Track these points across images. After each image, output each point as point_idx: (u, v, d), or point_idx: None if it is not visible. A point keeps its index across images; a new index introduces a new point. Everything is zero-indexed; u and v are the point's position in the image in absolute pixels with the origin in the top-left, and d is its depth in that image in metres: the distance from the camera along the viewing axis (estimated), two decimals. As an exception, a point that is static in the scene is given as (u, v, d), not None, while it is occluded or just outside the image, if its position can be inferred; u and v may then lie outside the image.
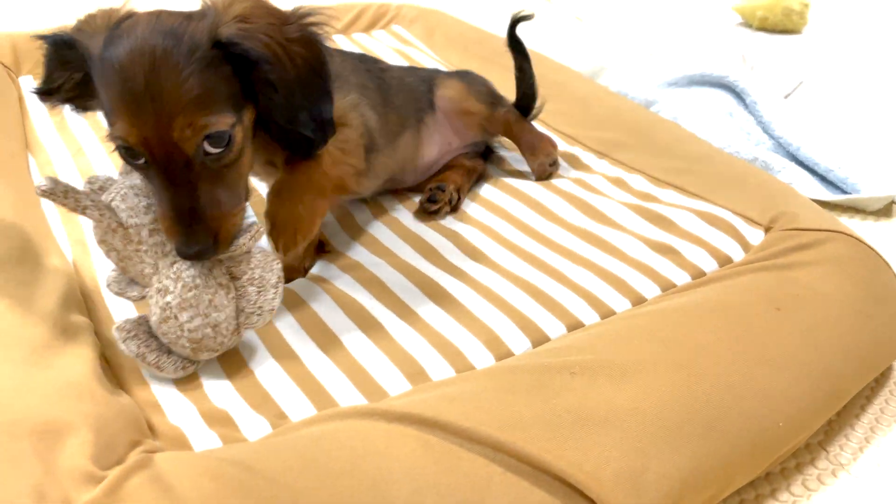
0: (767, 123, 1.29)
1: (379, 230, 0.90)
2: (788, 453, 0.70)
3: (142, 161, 0.61)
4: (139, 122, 0.58)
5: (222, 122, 0.60)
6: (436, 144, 1.00)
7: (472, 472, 0.54)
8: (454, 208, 0.95)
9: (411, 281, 0.80)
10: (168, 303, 0.62)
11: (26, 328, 0.61)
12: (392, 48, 1.46)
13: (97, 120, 1.11)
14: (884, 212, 1.15)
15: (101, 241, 0.65)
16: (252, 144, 0.67)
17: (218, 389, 0.66)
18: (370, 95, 0.85)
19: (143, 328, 0.64)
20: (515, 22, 1.02)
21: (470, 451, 0.55)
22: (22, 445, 0.50)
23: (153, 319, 0.64)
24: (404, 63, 1.38)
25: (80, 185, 0.65)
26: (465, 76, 1.05)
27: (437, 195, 0.93)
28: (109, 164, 1.00)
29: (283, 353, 0.70)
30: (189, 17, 0.62)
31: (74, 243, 0.83)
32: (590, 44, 1.78)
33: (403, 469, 0.53)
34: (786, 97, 1.56)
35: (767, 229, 0.88)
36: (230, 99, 0.62)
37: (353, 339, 0.72)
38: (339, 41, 1.48)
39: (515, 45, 1.04)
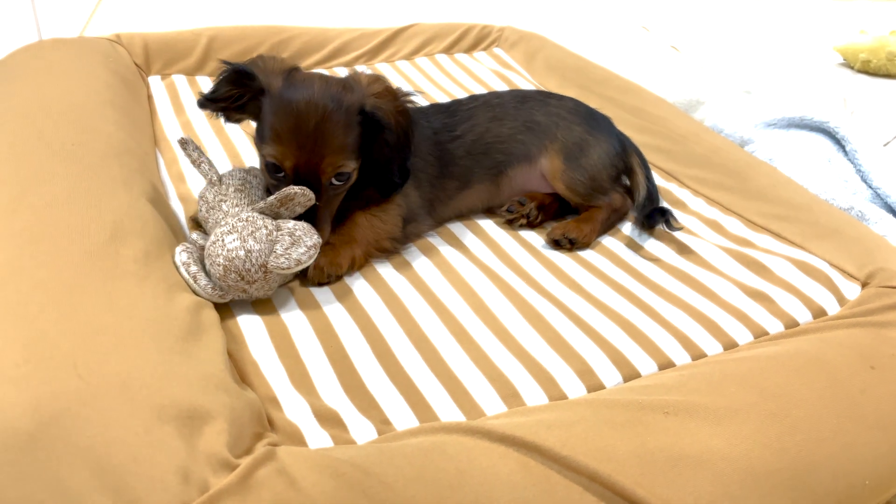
0: (866, 173, 1.28)
1: (482, 251, 0.95)
2: (871, 511, 0.71)
3: (281, 175, 0.84)
4: (299, 152, 0.82)
5: (351, 165, 0.85)
6: (533, 185, 1.04)
7: (568, 498, 0.57)
8: (532, 224, 1.00)
9: (510, 301, 0.84)
10: (222, 232, 0.78)
11: (170, 320, 0.67)
12: (492, 70, 1.50)
13: (221, 126, 1.19)
14: (983, 273, 1.13)
15: (201, 197, 0.86)
16: None
17: (329, 390, 0.71)
18: (425, 169, 0.97)
19: (196, 253, 0.80)
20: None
21: (566, 477, 0.58)
22: (169, 428, 0.56)
23: (207, 244, 0.79)
24: (504, 89, 1.42)
25: (202, 184, 0.89)
26: (572, 152, 1.00)
27: (515, 206, 0.99)
28: (229, 165, 1.08)
29: (389, 361, 0.75)
30: (344, 86, 0.85)
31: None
32: (685, 75, 1.78)
33: (505, 488, 0.57)
34: (885, 145, 1.54)
35: (864, 284, 0.89)
36: (356, 150, 0.85)
37: (453, 355, 0.77)
38: (442, 61, 1.54)
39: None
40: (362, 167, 0.87)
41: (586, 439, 0.61)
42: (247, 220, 0.79)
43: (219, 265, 0.76)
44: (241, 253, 0.77)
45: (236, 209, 0.83)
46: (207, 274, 0.78)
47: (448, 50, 1.57)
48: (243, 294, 0.79)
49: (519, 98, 1.05)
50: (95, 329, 0.62)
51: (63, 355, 0.58)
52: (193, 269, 0.77)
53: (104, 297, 0.66)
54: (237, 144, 1.15)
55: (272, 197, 0.81)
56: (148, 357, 0.61)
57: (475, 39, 1.61)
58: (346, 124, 0.82)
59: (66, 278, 0.67)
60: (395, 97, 0.88)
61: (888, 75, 1.97)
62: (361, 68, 1.46)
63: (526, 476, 0.58)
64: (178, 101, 1.26)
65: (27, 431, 0.53)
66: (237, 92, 0.86)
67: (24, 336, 0.60)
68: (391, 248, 0.92)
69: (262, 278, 0.78)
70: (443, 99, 1.37)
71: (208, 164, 0.86)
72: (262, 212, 0.82)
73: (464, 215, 1.03)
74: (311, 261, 0.79)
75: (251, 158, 1.11)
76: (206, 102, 0.88)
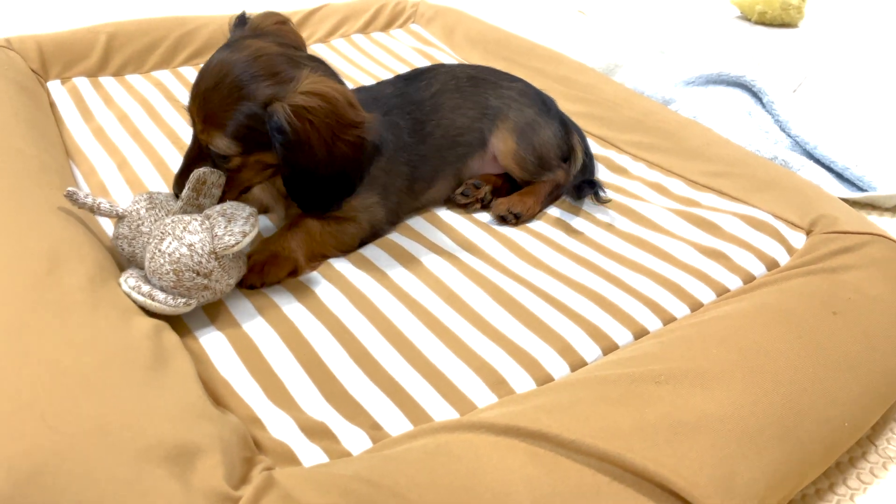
0: (784, 122, 1.33)
1: (439, 237, 0.93)
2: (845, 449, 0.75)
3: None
4: (192, 107, 0.79)
5: (225, 148, 0.78)
6: (486, 169, 1.03)
7: (582, 482, 0.57)
8: (485, 206, 0.99)
9: (479, 287, 0.83)
10: (155, 244, 0.73)
11: (133, 349, 0.62)
12: (413, 48, 1.47)
13: (137, 129, 1.11)
14: (898, 208, 1.21)
15: (116, 237, 0.78)
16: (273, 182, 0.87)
17: (310, 401, 0.68)
18: (397, 182, 0.93)
19: (140, 274, 0.75)
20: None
21: (576, 461, 0.58)
22: (161, 471, 0.51)
23: (146, 266, 0.74)
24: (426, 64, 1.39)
25: (127, 195, 0.87)
26: (524, 132, 0.99)
27: (471, 190, 0.98)
28: (157, 176, 1.01)
29: (367, 363, 0.73)
30: (279, 72, 0.78)
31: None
32: (596, 38, 1.80)
33: (519, 482, 0.55)
34: (794, 91, 1.61)
35: (808, 232, 0.92)
36: (247, 138, 0.78)
37: (432, 348, 0.75)
38: (359, 41, 1.49)
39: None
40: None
41: (587, 420, 0.61)
42: (173, 222, 0.75)
43: (167, 272, 0.71)
44: (184, 250, 0.72)
45: (157, 224, 0.77)
46: (162, 290, 0.73)
47: (364, 29, 1.53)
48: (207, 292, 0.74)
49: (472, 79, 1.02)
50: (56, 371, 0.56)
51: (27, 405, 0.53)
52: (146, 288, 0.72)
53: (58, 334, 0.60)
54: (157, 147, 1.07)
55: (185, 190, 0.77)
56: (120, 395, 0.56)
57: (390, 16, 1.57)
58: (238, 108, 0.76)
59: (11, 318, 0.61)
60: (342, 122, 0.79)
61: (783, 24, 2.05)
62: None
63: (538, 467, 0.57)
64: (83, 106, 1.17)
65: (3, 496, 0.48)
66: None
67: (-25, 389, 0.54)
68: (338, 256, 0.88)
69: (218, 266, 0.74)
70: (365, 82, 1.33)
71: (107, 203, 0.78)
72: (183, 211, 0.78)
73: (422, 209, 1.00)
74: (256, 229, 0.75)
75: (173, 159, 1.04)
76: None
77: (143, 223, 0.78)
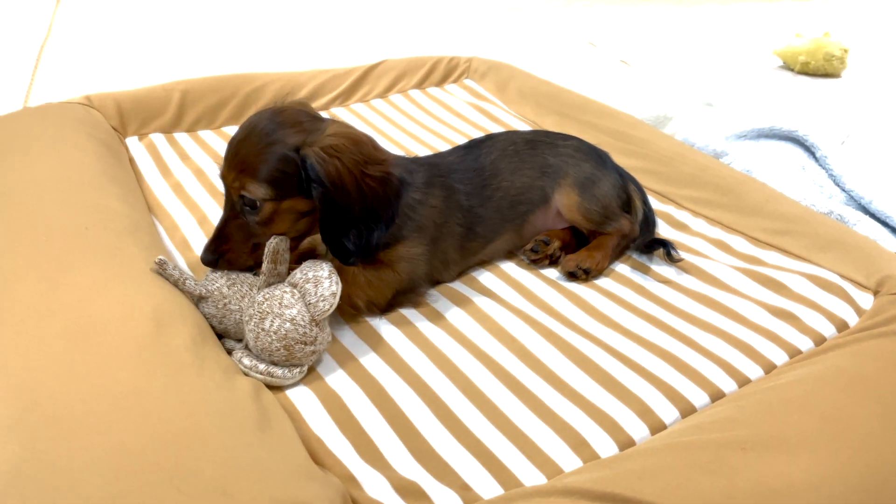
0: (838, 177, 1.34)
1: (511, 295, 0.95)
2: (922, 514, 0.75)
3: None
4: (226, 164, 0.83)
5: (256, 193, 0.81)
6: (549, 224, 1.06)
7: (677, 549, 0.58)
8: (554, 262, 1.01)
9: (553, 345, 0.85)
10: (255, 323, 0.77)
11: (240, 410, 0.65)
12: (468, 102, 1.51)
13: (213, 184, 1.16)
14: (958, 264, 1.21)
15: (205, 315, 0.81)
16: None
17: (400, 460, 0.71)
18: (448, 241, 0.95)
19: (244, 349, 0.79)
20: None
21: (671, 528, 0.59)
22: (279, 533, 0.54)
23: (251, 345, 0.78)
24: (482, 120, 1.44)
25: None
26: (585, 185, 1.03)
27: (540, 247, 1.01)
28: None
29: (451, 421, 0.75)
30: (304, 122, 0.83)
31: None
32: (644, 90, 1.84)
33: (618, 548, 0.57)
34: (842, 143, 1.63)
35: (875, 293, 0.93)
36: (279, 182, 0.81)
37: (513, 408, 0.77)
38: (416, 97, 1.54)
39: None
40: (322, 221, 0.83)
41: (679, 486, 0.62)
42: (265, 298, 0.78)
43: (278, 349, 0.76)
44: (288, 325, 0.76)
45: (245, 301, 0.81)
46: (275, 364, 0.77)
47: (420, 84, 1.58)
48: (314, 356, 0.79)
49: (529, 142, 1.06)
50: (176, 433, 0.59)
51: (156, 467, 0.56)
52: (262, 366, 0.76)
53: (172, 396, 0.64)
54: (234, 203, 1.12)
55: (265, 264, 0.80)
56: (237, 456, 0.59)
57: (445, 72, 1.62)
58: (269, 152, 0.80)
59: (126, 380, 0.64)
60: (367, 159, 0.84)
61: (826, 75, 2.08)
62: (341, 111, 1.45)
63: (635, 533, 0.58)
64: (161, 162, 1.22)
65: (139, 558, 0.51)
66: None
67: (103, 451, 0.57)
68: (364, 310, 0.90)
69: (319, 331, 0.78)
70: (422, 135, 1.38)
71: (192, 280, 0.82)
72: (268, 284, 0.81)
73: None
74: (340, 285, 0.78)
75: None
76: None
77: (229, 301, 0.81)
